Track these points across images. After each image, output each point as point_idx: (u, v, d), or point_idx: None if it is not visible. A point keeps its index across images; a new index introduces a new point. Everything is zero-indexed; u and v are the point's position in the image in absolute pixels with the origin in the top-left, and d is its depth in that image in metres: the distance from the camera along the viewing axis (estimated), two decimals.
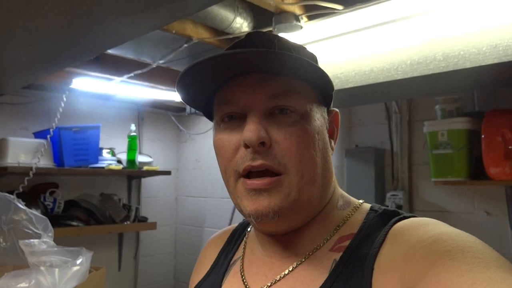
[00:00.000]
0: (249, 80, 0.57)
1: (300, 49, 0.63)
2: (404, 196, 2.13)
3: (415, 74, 1.44)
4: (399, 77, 1.48)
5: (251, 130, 0.54)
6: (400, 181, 2.20)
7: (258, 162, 0.55)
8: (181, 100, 0.65)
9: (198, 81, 0.59)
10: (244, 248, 0.70)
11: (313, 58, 0.65)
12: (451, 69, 1.35)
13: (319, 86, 0.61)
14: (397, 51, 1.49)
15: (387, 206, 0.64)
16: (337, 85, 1.64)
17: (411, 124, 2.21)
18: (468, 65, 1.33)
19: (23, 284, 0.89)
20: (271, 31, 1.52)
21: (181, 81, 0.58)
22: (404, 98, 2.17)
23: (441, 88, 1.78)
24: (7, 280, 0.90)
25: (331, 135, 0.65)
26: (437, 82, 1.56)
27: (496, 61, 1.27)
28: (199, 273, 0.75)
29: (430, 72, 1.40)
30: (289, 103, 0.57)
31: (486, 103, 1.94)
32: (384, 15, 1.36)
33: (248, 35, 0.61)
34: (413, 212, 2.13)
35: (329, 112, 0.65)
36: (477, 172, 1.84)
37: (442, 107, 1.95)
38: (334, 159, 2.52)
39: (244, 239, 0.72)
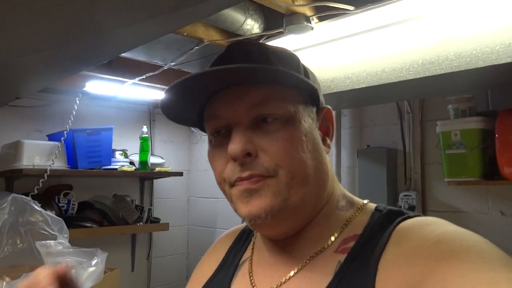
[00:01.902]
0: (230, 93, 0.58)
1: (280, 54, 0.63)
2: (417, 196, 2.11)
3: (427, 74, 1.43)
4: (411, 77, 1.47)
5: (234, 143, 0.56)
6: (413, 181, 2.19)
7: (246, 173, 0.56)
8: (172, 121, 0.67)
9: (185, 100, 0.61)
10: (253, 249, 0.71)
11: (293, 61, 0.64)
12: (464, 69, 1.34)
13: (303, 88, 0.62)
14: (408, 51, 1.49)
15: (400, 207, 0.64)
16: (348, 85, 1.64)
17: (424, 124, 2.19)
18: (481, 64, 1.31)
19: None
20: (281, 32, 1.53)
21: (166, 103, 0.60)
22: (416, 98, 2.15)
23: (454, 87, 1.77)
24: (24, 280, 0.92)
25: (326, 133, 0.65)
26: (450, 82, 1.55)
27: (509, 60, 1.25)
28: (205, 270, 0.76)
29: (443, 72, 1.39)
30: (271, 111, 0.57)
31: (500, 102, 1.92)
32: (396, 15, 1.35)
33: (228, 47, 0.63)
34: (426, 212, 2.12)
35: (320, 110, 0.65)
36: (491, 172, 1.82)
37: (455, 107, 1.93)
38: (345, 159, 2.52)
39: (253, 239, 0.73)
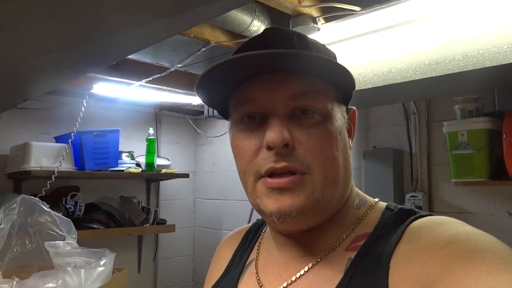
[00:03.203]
0: (270, 80, 0.56)
1: (320, 46, 0.62)
2: (424, 197, 2.11)
3: (434, 74, 1.42)
4: (417, 78, 1.47)
5: (275, 132, 0.54)
6: (420, 182, 2.18)
7: (281, 164, 0.54)
8: (201, 102, 0.65)
9: (217, 81, 0.58)
10: (259, 249, 0.70)
11: (333, 56, 0.64)
12: (471, 69, 1.34)
13: (340, 84, 0.61)
14: (415, 52, 1.49)
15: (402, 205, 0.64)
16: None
17: (430, 124, 2.18)
18: (488, 64, 1.31)
19: (50, 284, 0.92)
20: None
21: (200, 83, 0.58)
22: (422, 98, 2.15)
23: (461, 88, 1.76)
24: (35, 280, 0.93)
25: (349, 134, 0.64)
26: (457, 82, 1.54)
27: None
28: (214, 274, 0.75)
29: (449, 72, 1.39)
30: (311, 103, 0.56)
31: (507, 102, 1.91)
32: (402, 16, 1.36)
33: (266, 31, 0.60)
34: (433, 213, 2.11)
35: (348, 111, 0.64)
36: (498, 172, 1.82)
37: (461, 107, 1.92)
38: (352, 160, 2.50)
39: (259, 239, 0.72)
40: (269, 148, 0.55)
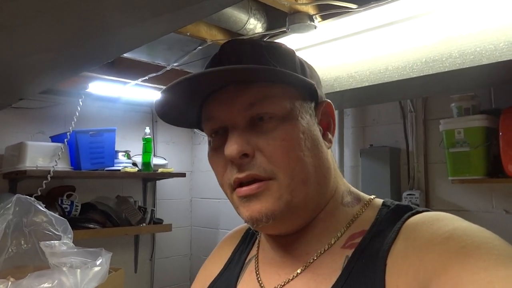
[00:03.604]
0: (226, 94, 0.57)
1: (276, 50, 0.62)
2: (421, 195, 2.11)
3: (431, 72, 1.42)
4: (414, 75, 1.47)
5: (231, 145, 0.55)
6: (416, 180, 2.18)
7: (244, 173, 0.56)
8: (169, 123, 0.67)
9: (180, 102, 0.60)
10: (258, 247, 0.70)
11: (289, 56, 0.63)
12: (467, 66, 1.34)
13: (298, 84, 0.61)
14: (412, 49, 1.48)
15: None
16: (351, 84, 1.64)
17: (427, 122, 2.19)
18: (485, 61, 1.31)
19: (46, 284, 0.91)
20: (284, 31, 1.52)
21: (162, 105, 0.60)
22: (419, 96, 2.15)
23: (457, 85, 1.76)
24: (30, 280, 0.92)
25: (327, 128, 0.64)
26: (453, 80, 1.55)
27: None
28: (211, 269, 0.75)
29: (446, 70, 1.39)
30: (267, 110, 0.56)
31: (503, 100, 1.92)
32: (399, 13, 1.35)
33: (222, 46, 0.62)
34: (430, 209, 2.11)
35: (319, 105, 0.63)
36: (495, 170, 1.82)
37: (458, 105, 1.93)
38: (348, 158, 2.51)
39: (258, 237, 0.72)
40: (231, 161, 0.56)
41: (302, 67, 0.63)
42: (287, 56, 0.62)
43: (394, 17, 1.37)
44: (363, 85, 1.61)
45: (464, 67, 1.35)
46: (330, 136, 0.64)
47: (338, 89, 1.68)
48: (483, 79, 1.62)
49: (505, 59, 1.28)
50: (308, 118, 0.60)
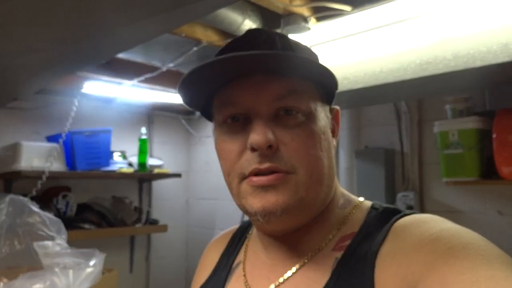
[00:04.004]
0: (252, 81, 0.56)
1: (302, 47, 0.62)
2: (415, 196, 2.12)
3: (425, 74, 1.43)
4: (408, 77, 1.47)
5: (258, 133, 0.54)
6: (411, 181, 2.19)
7: (265, 165, 0.54)
8: (183, 103, 0.64)
9: (200, 82, 0.58)
10: (246, 251, 0.70)
11: (316, 57, 0.64)
12: (461, 68, 1.35)
13: (323, 84, 0.61)
14: (406, 51, 1.49)
15: (393, 205, 0.64)
16: (346, 86, 1.64)
17: (421, 124, 2.19)
18: (478, 64, 1.32)
19: (38, 285, 0.91)
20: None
21: (184, 83, 0.57)
22: (413, 98, 2.16)
23: (451, 87, 1.77)
24: (22, 281, 0.92)
25: (333, 133, 0.64)
26: (447, 82, 1.55)
27: (507, 59, 1.26)
28: (201, 276, 0.75)
29: (440, 72, 1.40)
30: (294, 104, 0.56)
31: (497, 102, 1.93)
32: (393, 15, 1.36)
33: (248, 32, 0.60)
34: (424, 212, 2.12)
35: (331, 111, 0.65)
36: (488, 171, 1.83)
37: (452, 107, 1.93)
38: (343, 160, 2.52)
39: (246, 242, 0.72)
40: (253, 149, 0.54)
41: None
42: (312, 55, 0.62)
43: (388, 19, 1.38)
44: (358, 87, 1.61)
45: (457, 69, 1.36)
46: (334, 141, 0.64)
47: None
48: (477, 81, 1.63)
49: (498, 61, 1.29)
50: (326, 120, 0.61)
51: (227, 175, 0.60)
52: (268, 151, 0.54)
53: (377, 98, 2.03)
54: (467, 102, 1.91)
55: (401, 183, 2.22)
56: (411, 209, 2.07)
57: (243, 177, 0.57)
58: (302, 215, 0.59)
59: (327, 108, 0.63)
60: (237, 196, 0.59)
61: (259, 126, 0.54)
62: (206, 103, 0.63)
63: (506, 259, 0.45)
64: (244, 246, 0.72)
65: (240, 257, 0.70)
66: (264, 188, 0.55)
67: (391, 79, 1.53)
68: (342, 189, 0.67)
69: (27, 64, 1.17)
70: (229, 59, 0.53)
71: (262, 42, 0.58)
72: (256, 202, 0.55)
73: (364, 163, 2.28)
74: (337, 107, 0.66)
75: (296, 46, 0.61)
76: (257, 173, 0.55)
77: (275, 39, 0.59)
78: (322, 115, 0.60)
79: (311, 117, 0.57)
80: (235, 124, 0.58)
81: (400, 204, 2.10)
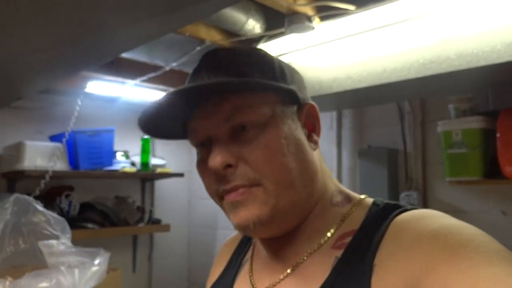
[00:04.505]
0: (205, 107, 0.58)
1: (252, 57, 0.62)
2: (418, 196, 2.12)
3: (428, 73, 1.43)
4: (412, 77, 1.47)
5: (214, 157, 0.56)
6: (414, 181, 2.19)
7: (230, 184, 0.57)
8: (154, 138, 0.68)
9: (162, 117, 0.61)
10: (253, 249, 0.71)
11: (266, 61, 0.62)
12: (465, 68, 1.35)
13: (278, 90, 0.61)
14: (409, 51, 1.49)
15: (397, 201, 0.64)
16: (349, 85, 1.64)
17: (424, 124, 2.19)
18: (482, 63, 1.32)
19: (44, 284, 0.91)
20: (283, 32, 1.53)
21: (145, 121, 0.61)
22: (417, 97, 2.16)
23: (455, 87, 1.77)
24: (28, 280, 0.92)
25: (312, 129, 0.64)
26: (451, 81, 1.55)
27: (510, 58, 1.26)
28: (215, 273, 0.77)
29: (443, 71, 1.40)
30: (246, 119, 0.57)
31: (501, 101, 1.92)
32: (397, 14, 1.36)
33: (201, 58, 0.63)
34: (417, 207, 2.12)
35: (302, 107, 0.63)
36: (492, 171, 1.82)
37: (456, 106, 1.93)
38: (346, 159, 2.52)
39: (253, 240, 0.73)
40: (215, 172, 0.57)
41: (282, 71, 0.63)
42: (265, 62, 0.62)
43: (392, 19, 1.38)
44: (361, 86, 1.61)
45: (461, 68, 1.36)
46: (315, 137, 0.64)
47: (336, 90, 1.69)
48: (481, 80, 1.63)
49: (502, 60, 1.28)
50: (290, 122, 0.60)
51: (210, 195, 0.63)
52: (227, 170, 0.57)
53: (380, 98, 2.03)
54: (471, 101, 1.91)
55: (404, 182, 2.22)
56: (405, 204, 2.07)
57: (221, 197, 0.60)
58: (282, 222, 0.59)
59: (293, 108, 0.62)
60: (225, 212, 0.62)
61: (214, 150, 0.57)
62: (182, 133, 0.66)
63: (507, 255, 0.44)
64: (252, 244, 0.73)
65: (248, 254, 0.72)
66: (234, 204, 0.57)
67: (394, 78, 1.52)
68: (340, 186, 0.67)
69: (31, 64, 1.17)
70: (175, 93, 0.56)
71: (211, 67, 0.60)
72: (233, 219, 0.59)
73: (367, 163, 2.27)
74: (311, 102, 0.65)
75: (246, 59, 0.61)
76: (226, 191, 0.58)
77: (222, 61, 0.61)
78: (284, 118, 0.59)
79: (268, 125, 0.58)
80: (204, 149, 0.61)
81: (403, 204, 2.10)
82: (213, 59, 0.62)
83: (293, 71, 0.66)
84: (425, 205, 2.14)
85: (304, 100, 0.64)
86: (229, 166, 0.56)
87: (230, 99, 0.57)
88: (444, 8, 1.32)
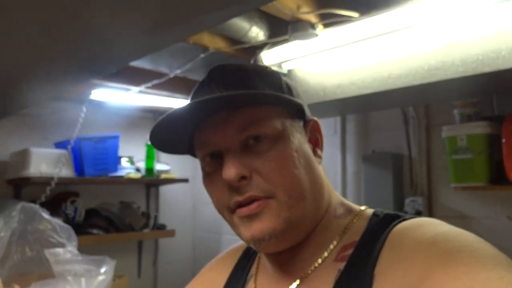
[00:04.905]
0: (218, 119, 0.59)
1: (261, 72, 0.64)
2: (424, 201, 2.11)
3: (433, 79, 1.43)
4: (416, 83, 1.47)
5: (228, 168, 0.56)
6: (419, 186, 2.18)
7: (243, 196, 0.57)
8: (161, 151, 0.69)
9: (171, 131, 0.62)
10: (258, 265, 0.71)
11: (275, 78, 0.64)
12: (470, 74, 1.35)
13: (287, 104, 0.62)
14: (414, 57, 1.49)
15: (406, 212, 0.64)
16: (353, 91, 1.64)
17: (429, 128, 2.19)
18: (487, 69, 1.32)
19: None
20: (286, 39, 1.54)
21: (156, 135, 0.62)
22: (422, 103, 2.15)
23: (460, 92, 1.77)
24: None
25: (316, 144, 0.66)
26: (456, 87, 1.55)
27: None
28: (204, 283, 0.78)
29: (448, 77, 1.40)
30: (258, 131, 0.58)
31: (506, 106, 1.92)
32: (400, 21, 1.36)
33: (209, 72, 0.64)
34: (433, 217, 2.11)
35: (307, 123, 0.65)
36: (497, 176, 1.82)
37: (460, 112, 1.93)
38: (350, 164, 2.52)
39: (258, 254, 0.73)
40: (229, 184, 0.57)
41: (289, 88, 0.65)
42: (274, 78, 0.64)
43: (396, 25, 1.38)
44: (365, 92, 1.61)
45: (466, 75, 1.36)
46: (319, 152, 0.65)
47: (340, 96, 1.69)
48: (486, 86, 1.62)
49: (507, 67, 1.28)
50: (299, 136, 0.62)
51: (218, 209, 0.63)
52: (242, 182, 0.57)
53: (384, 104, 2.03)
54: (476, 106, 1.90)
55: (409, 188, 2.21)
56: (419, 214, 2.06)
57: (231, 210, 0.60)
58: (293, 234, 0.60)
59: (300, 123, 0.64)
60: (233, 227, 0.62)
61: (228, 161, 0.57)
62: (188, 146, 0.67)
63: (502, 259, 0.45)
64: (257, 258, 0.72)
65: (253, 270, 0.71)
66: (249, 217, 0.57)
67: (399, 84, 1.53)
68: (341, 198, 0.68)
69: (39, 73, 1.18)
70: (188, 106, 0.56)
71: (221, 81, 0.61)
72: (246, 232, 0.58)
73: (372, 168, 2.27)
74: (314, 118, 0.67)
75: (255, 74, 0.62)
76: (239, 205, 0.58)
77: (233, 75, 0.62)
78: (294, 132, 0.61)
79: (280, 138, 0.59)
80: (213, 161, 0.61)
81: (408, 209, 2.10)
82: (221, 74, 0.63)
83: (296, 89, 0.68)
84: (430, 211, 2.13)
85: (308, 116, 0.66)
86: (243, 178, 0.57)
87: (243, 111, 0.58)
88: (448, 14, 1.32)
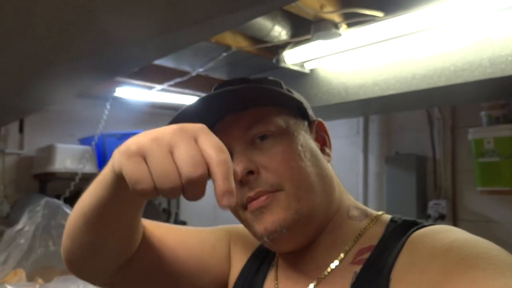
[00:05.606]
0: (226, 121, 0.63)
1: (263, 80, 0.67)
2: (448, 205, 2.06)
3: (459, 80, 1.39)
4: (442, 84, 1.44)
5: (235, 164, 0.58)
6: (443, 189, 2.13)
7: (254, 191, 0.59)
8: None
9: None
10: (277, 262, 0.70)
11: (276, 84, 0.67)
12: (499, 76, 1.31)
13: (291, 105, 0.65)
14: (439, 57, 1.46)
15: (429, 215, 0.63)
16: (376, 92, 1.62)
17: (455, 130, 2.13)
18: None
19: None
20: (309, 39, 1.52)
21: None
22: (447, 105, 2.10)
23: (487, 94, 1.72)
24: (57, 284, 0.94)
25: (324, 143, 0.67)
26: (483, 89, 1.51)
27: None
28: (236, 262, 0.75)
29: (476, 79, 1.36)
30: (263, 129, 0.61)
31: None
32: (426, 20, 1.33)
33: (215, 87, 0.66)
34: (457, 221, 2.06)
35: (311, 124, 0.67)
36: None
37: (488, 114, 1.87)
38: (372, 165, 2.48)
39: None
40: (240, 181, 0.59)
41: (290, 92, 0.67)
42: (275, 84, 0.66)
43: (421, 25, 1.35)
44: (388, 93, 1.59)
45: (495, 76, 1.32)
46: (328, 150, 0.67)
47: (363, 97, 1.66)
48: None
49: None
50: (303, 133, 0.64)
51: (232, 209, 0.64)
52: (249, 177, 0.59)
53: (408, 105, 1.99)
54: (504, 109, 1.85)
55: (433, 190, 2.17)
56: (443, 217, 2.02)
57: (244, 207, 0.61)
58: (305, 228, 0.61)
59: (304, 123, 0.66)
60: (247, 226, 0.63)
61: (236, 158, 0.60)
62: None
63: None
64: (276, 258, 0.72)
65: (272, 269, 0.71)
66: (260, 210, 0.59)
67: (423, 85, 1.49)
68: (356, 202, 0.68)
69: (65, 71, 1.20)
70: (197, 103, 0.60)
71: (237, 81, 0.63)
72: (259, 226, 0.60)
73: (395, 169, 2.23)
74: (318, 119, 0.69)
75: (258, 81, 0.65)
76: (250, 200, 0.59)
77: (245, 80, 0.64)
78: (298, 130, 0.63)
79: (284, 134, 0.61)
80: None
81: (432, 212, 2.05)
82: (230, 81, 0.65)
83: (298, 94, 0.70)
84: (454, 214, 2.09)
85: (312, 117, 0.68)
86: (251, 173, 0.59)
87: (249, 113, 0.61)
88: (474, 15, 1.28)
